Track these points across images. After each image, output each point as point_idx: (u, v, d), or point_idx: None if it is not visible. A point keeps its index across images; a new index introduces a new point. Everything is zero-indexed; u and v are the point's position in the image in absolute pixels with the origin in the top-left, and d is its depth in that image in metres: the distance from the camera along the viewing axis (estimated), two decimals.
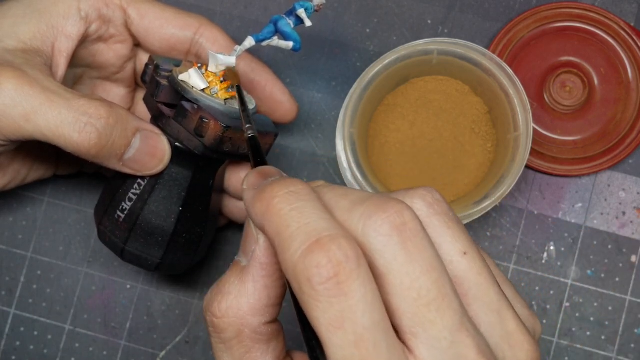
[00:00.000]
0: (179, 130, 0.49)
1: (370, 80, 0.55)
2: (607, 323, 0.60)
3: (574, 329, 0.60)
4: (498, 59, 0.55)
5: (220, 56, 0.50)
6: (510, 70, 0.55)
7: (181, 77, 0.50)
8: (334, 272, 0.31)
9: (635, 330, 0.60)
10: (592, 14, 0.61)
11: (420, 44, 0.55)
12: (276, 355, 0.38)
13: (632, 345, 0.60)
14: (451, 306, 0.33)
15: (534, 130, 0.61)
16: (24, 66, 0.48)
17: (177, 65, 0.52)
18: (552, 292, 0.61)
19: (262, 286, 0.37)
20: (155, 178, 0.51)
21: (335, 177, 0.62)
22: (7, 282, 0.62)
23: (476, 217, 0.55)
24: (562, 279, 0.61)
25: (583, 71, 0.61)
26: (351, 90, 0.55)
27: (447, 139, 0.58)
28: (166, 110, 0.50)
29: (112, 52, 0.54)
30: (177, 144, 0.50)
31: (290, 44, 0.49)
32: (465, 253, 0.35)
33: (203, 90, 0.49)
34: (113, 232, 0.52)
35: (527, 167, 0.61)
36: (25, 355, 0.62)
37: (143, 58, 0.56)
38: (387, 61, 0.55)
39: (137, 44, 0.55)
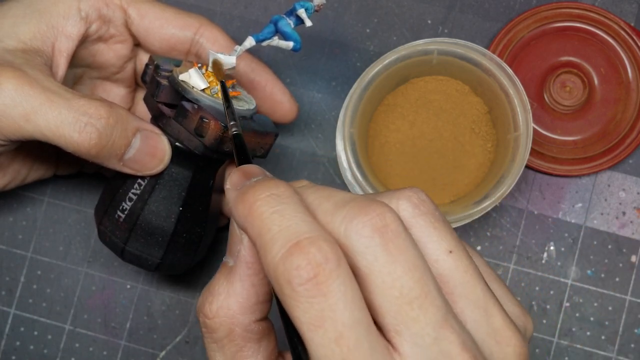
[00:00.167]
0: (179, 130, 0.50)
1: (370, 80, 0.55)
2: (607, 323, 0.60)
3: (574, 329, 0.60)
4: (498, 59, 0.55)
5: (221, 56, 0.50)
6: (510, 70, 0.55)
7: (181, 77, 0.50)
8: (314, 273, 0.31)
9: (635, 330, 0.60)
10: (592, 14, 0.61)
11: (420, 44, 0.55)
12: (267, 354, 0.39)
13: (632, 345, 0.60)
14: (434, 303, 0.33)
15: (534, 130, 0.61)
16: (24, 66, 0.48)
17: (177, 65, 0.52)
18: (552, 292, 0.61)
19: (249, 285, 0.37)
20: (156, 178, 0.51)
21: (335, 177, 0.62)
22: (7, 282, 0.62)
23: (476, 217, 0.55)
24: (562, 279, 0.61)
25: (583, 71, 0.61)
26: (351, 90, 0.55)
27: (447, 139, 0.58)
28: (166, 110, 0.50)
29: (112, 52, 0.54)
30: (177, 144, 0.50)
31: (291, 44, 0.49)
32: (450, 252, 0.35)
33: (203, 90, 0.49)
34: (113, 232, 0.52)
35: (527, 167, 0.61)
36: (25, 355, 0.62)
37: (143, 58, 0.56)
38: (387, 61, 0.55)
39: (137, 44, 0.55)
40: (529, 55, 0.61)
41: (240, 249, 0.37)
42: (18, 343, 0.62)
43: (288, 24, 0.49)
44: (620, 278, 0.60)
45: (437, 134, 0.58)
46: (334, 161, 0.62)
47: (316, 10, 0.49)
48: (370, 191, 0.54)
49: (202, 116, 0.48)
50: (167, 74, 0.51)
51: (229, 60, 0.50)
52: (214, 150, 0.49)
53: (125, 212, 0.51)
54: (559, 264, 0.61)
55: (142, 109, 0.58)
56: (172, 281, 0.62)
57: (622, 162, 0.61)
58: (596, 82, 0.61)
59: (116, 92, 0.57)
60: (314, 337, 0.32)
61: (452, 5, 0.62)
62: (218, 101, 0.49)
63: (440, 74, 0.58)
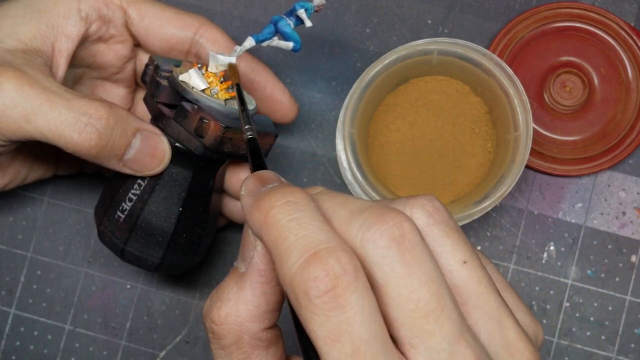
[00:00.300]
0: (179, 130, 0.49)
1: (370, 80, 0.55)
2: (607, 323, 0.60)
3: (574, 329, 0.60)
4: (498, 59, 0.55)
5: (220, 56, 0.50)
6: (510, 70, 0.55)
7: (181, 77, 0.50)
8: (332, 285, 0.31)
9: (635, 330, 0.60)
10: (592, 14, 0.61)
11: (420, 44, 0.55)
12: None
13: (632, 345, 0.60)
14: (450, 317, 0.32)
15: (534, 130, 0.61)
16: (24, 66, 0.48)
17: (177, 66, 0.52)
18: (552, 292, 0.61)
19: (260, 293, 0.37)
20: (155, 178, 0.51)
21: (335, 177, 0.62)
22: (7, 282, 0.62)
23: (476, 217, 0.55)
24: (562, 279, 0.61)
25: (583, 71, 0.61)
26: (351, 90, 0.55)
27: (447, 139, 0.58)
28: (166, 110, 0.50)
29: (112, 53, 0.54)
30: (177, 144, 0.50)
31: (291, 45, 0.49)
32: (465, 262, 0.35)
33: (203, 90, 0.49)
34: (113, 233, 0.52)
35: (527, 167, 0.61)
36: (25, 355, 0.62)
37: (143, 58, 0.56)
38: (387, 61, 0.55)
39: (137, 44, 0.55)
40: (529, 55, 0.61)
41: (253, 256, 0.37)
42: (18, 343, 0.62)
43: (288, 24, 0.49)
44: (620, 278, 0.60)
45: (437, 134, 0.58)
46: (334, 161, 0.62)
47: (316, 11, 0.49)
48: (370, 191, 0.54)
49: (202, 117, 0.48)
50: (167, 74, 0.51)
51: (229, 60, 0.50)
52: (214, 151, 0.49)
53: (125, 213, 0.51)
54: (559, 264, 0.61)
55: (142, 109, 0.58)
56: (172, 281, 0.62)
57: (622, 162, 0.61)
58: (596, 82, 0.61)
59: (116, 93, 0.57)
60: (331, 351, 0.31)
61: (452, 5, 0.62)
62: (218, 101, 0.49)
63: (440, 74, 0.58)
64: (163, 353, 0.61)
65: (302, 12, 0.49)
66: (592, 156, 0.60)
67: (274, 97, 0.56)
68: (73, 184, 0.63)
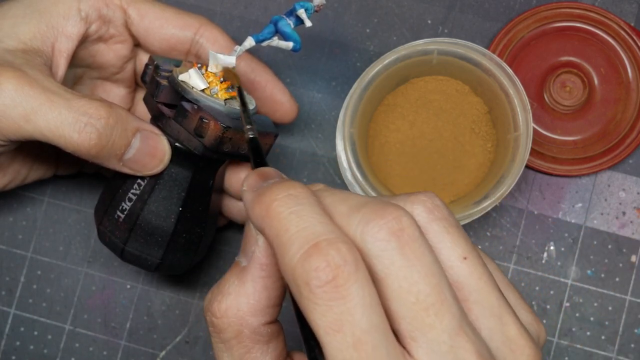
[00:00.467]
0: (179, 130, 0.49)
1: (370, 80, 0.55)
2: (607, 323, 0.60)
3: (574, 329, 0.60)
4: (498, 59, 0.55)
5: (220, 56, 0.50)
6: (510, 70, 0.55)
7: (181, 77, 0.50)
8: (332, 275, 0.31)
9: (635, 330, 0.60)
10: (592, 14, 0.61)
11: (420, 44, 0.55)
12: (276, 356, 0.38)
13: (632, 345, 0.60)
14: (450, 310, 0.33)
15: (534, 130, 0.61)
16: (24, 66, 0.48)
17: (177, 66, 0.52)
18: (552, 292, 0.61)
19: (261, 287, 0.37)
20: (155, 178, 0.51)
21: (335, 177, 0.62)
22: (7, 282, 0.62)
23: (476, 217, 0.55)
24: (562, 279, 0.61)
25: (583, 71, 0.61)
26: (351, 90, 0.55)
27: (447, 139, 0.58)
28: (166, 110, 0.50)
29: (112, 52, 0.54)
30: (177, 144, 0.50)
31: (290, 45, 0.49)
32: (465, 258, 0.35)
33: (203, 90, 0.49)
34: (113, 232, 0.52)
35: (527, 167, 0.61)
36: (25, 355, 0.62)
37: (143, 58, 0.56)
38: (387, 61, 0.55)
39: (137, 44, 0.55)
40: (529, 55, 0.61)
41: (255, 250, 0.37)
42: (18, 343, 0.62)
43: (288, 24, 0.49)
44: (620, 278, 0.60)
45: (437, 134, 0.58)
46: (334, 161, 0.62)
47: (316, 11, 0.49)
48: (371, 191, 0.54)
49: (202, 116, 0.48)
50: (166, 74, 0.51)
51: (228, 60, 0.50)
52: (214, 151, 0.49)
53: (125, 212, 0.51)
54: (559, 264, 0.61)
55: (142, 109, 0.58)
56: (172, 281, 0.62)
57: (622, 162, 0.61)
58: (596, 82, 0.61)
59: (116, 93, 0.57)
60: (332, 341, 0.31)
61: (452, 5, 0.62)
62: (218, 101, 0.49)
63: (440, 74, 0.58)
64: (163, 353, 0.61)
65: (302, 12, 0.49)
66: (592, 156, 0.60)
67: (274, 97, 0.56)
68: (73, 184, 0.63)
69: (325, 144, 0.62)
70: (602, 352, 0.60)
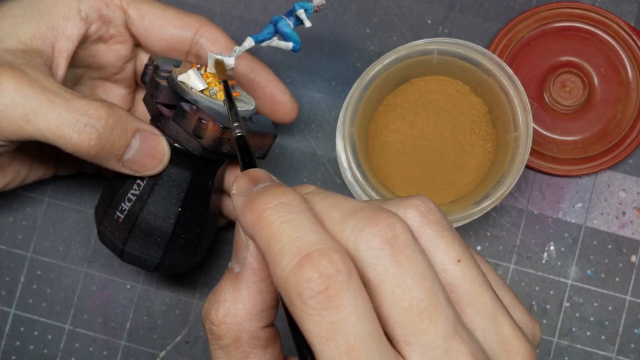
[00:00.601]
0: (178, 131, 0.49)
1: (370, 80, 0.55)
2: (607, 323, 0.60)
3: (574, 329, 0.60)
4: (498, 59, 0.55)
5: (219, 57, 0.50)
6: (510, 70, 0.55)
7: (180, 77, 0.50)
8: (325, 285, 0.31)
9: (635, 330, 0.60)
10: (592, 14, 0.61)
11: (420, 44, 0.55)
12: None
13: (632, 345, 0.60)
14: (444, 314, 0.33)
15: (534, 130, 0.61)
16: (24, 66, 0.48)
17: (177, 66, 0.52)
18: (552, 292, 0.61)
19: (256, 291, 0.37)
20: (155, 179, 0.51)
21: (335, 177, 0.62)
22: (7, 282, 0.62)
23: (476, 217, 0.55)
24: (562, 279, 0.61)
25: (583, 71, 0.61)
26: (351, 90, 0.55)
27: (447, 139, 0.58)
28: (165, 111, 0.50)
29: (112, 53, 0.54)
30: (176, 144, 0.50)
31: (290, 45, 0.49)
32: (459, 260, 0.35)
33: (202, 91, 0.49)
34: (112, 233, 0.52)
35: (527, 167, 0.61)
36: (25, 355, 0.62)
37: (143, 58, 0.56)
38: (387, 61, 0.55)
39: (137, 44, 0.55)
40: (529, 55, 0.61)
41: (246, 256, 0.37)
42: (18, 343, 0.62)
43: (287, 24, 0.49)
44: (620, 278, 0.60)
45: (437, 134, 0.58)
46: (334, 161, 0.62)
47: (316, 11, 0.49)
48: (371, 191, 0.54)
49: (200, 117, 0.48)
50: (166, 74, 0.51)
51: (227, 61, 0.50)
52: (212, 151, 0.49)
53: (125, 213, 0.51)
54: (559, 264, 0.61)
55: (142, 109, 0.58)
56: (172, 281, 0.62)
57: (622, 162, 0.61)
58: (596, 82, 0.61)
59: (116, 93, 0.57)
60: (325, 350, 0.31)
61: (452, 5, 0.62)
62: (217, 102, 0.49)
63: (440, 74, 0.58)
64: (163, 353, 0.61)
65: (301, 13, 0.49)
66: (592, 156, 0.60)
67: (275, 97, 0.56)
68: (73, 184, 0.63)
69: (325, 144, 0.62)
70: (602, 352, 0.60)
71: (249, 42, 0.49)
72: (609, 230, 0.61)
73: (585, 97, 0.61)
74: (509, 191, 0.54)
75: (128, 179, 0.51)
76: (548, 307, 0.61)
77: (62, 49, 0.51)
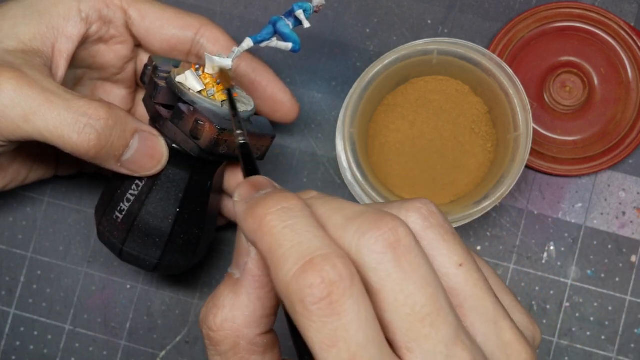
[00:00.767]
0: (176, 132, 0.49)
1: (370, 80, 0.55)
2: (607, 323, 0.60)
3: (574, 329, 0.60)
4: (498, 59, 0.55)
5: (217, 58, 0.50)
6: (510, 70, 0.55)
7: (178, 78, 0.50)
8: (327, 292, 0.31)
9: (635, 330, 0.60)
10: (592, 14, 0.61)
11: (420, 44, 0.55)
12: None
13: (632, 345, 0.60)
14: (446, 320, 0.32)
15: (534, 130, 0.61)
16: (23, 67, 0.48)
17: (176, 66, 0.52)
18: (552, 292, 0.61)
19: (255, 298, 0.37)
20: (153, 179, 0.51)
21: (335, 177, 0.62)
22: (7, 282, 0.62)
23: (476, 217, 0.55)
24: (562, 279, 0.61)
25: (583, 71, 0.61)
26: (351, 90, 0.55)
27: (447, 139, 0.58)
28: (163, 111, 0.50)
29: (112, 53, 0.54)
30: (174, 145, 0.50)
31: (290, 45, 0.49)
32: (461, 265, 0.35)
33: (200, 92, 0.49)
34: (111, 233, 0.52)
35: (527, 167, 0.61)
36: (25, 355, 0.62)
37: (144, 59, 0.56)
38: (387, 61, 0.55)
39: (137, 45, 0.55)
40: (529, 55, 0.61)
41: (247, 262, 0.37)
42: (18, 343, 0.62)
43: (287, 25, 0.49)
44: (620, 278, 0.60)
45: (437, 134, 0.58)
46: (334, 161, 0.62)
47: (315, 12, 0.49)
48: (371, 191, 0.54)
49: (197, 118, 0.48)
50: (165, 75, 0.51)
51: (225, 62, 0.50)
52: (210, 153, 0.49)
53: (123, 213, 0.51)
54: (559, 264, 0.61)
55: (142, 110, 0.58)
56: (172, 281, 0.62)
57: (622, 162, 0.61)
58: (596, 82, 0.61)
59: (117, 93, 0.57)
60: (327, 357, 0.31)
61: (452, 5, 0.62)
62: (214, 103, 0.49)
63: (440, 74, 0.58)
64: (163, 353, 0.61)
65: (300, 13, 0.49)
66: (592, 156, 0.60)
67: (275, 97, 0.56)
68: (73, 184, 0.63)
69: (325, 144, 0.62)
70: (602, 352, 0.60)
71: (248, 43, 0.49)
72: (609, 230, 0.61)
73: (585, 97, 0.61)
74: (509, 191, 0.54)
75: (127, 180, 0.51)
76: (548, 307, 0.61)
77: (62, 50, 0.51)
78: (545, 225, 0.61)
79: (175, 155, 0.51)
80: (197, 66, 0.51)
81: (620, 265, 0.61)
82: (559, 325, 0.60)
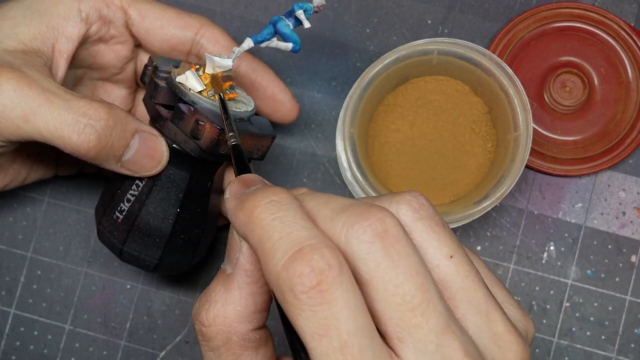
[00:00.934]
0: (176, 132, 0.49)
1: (370, 80, 0.55)
2: (607, 323, 0.60)
3: (574, 329, 0.60)
4: (498, 59, 0.55)
5: (217, 58, 0.50)
6: (510, 70, 0.55)
7: (178, 78, 0.50)
8: (317, 280, 0.31)
9: (635, 330, 0.60)
10: (592, 14, 0.61)
11: (420, 44, 0.55)
12: None
13: (632, 345, 0.60)
14: (436, 310, 0.33)
15: (534, 130, 0.61)
16: (23, 67, 0.47)
17: (177, 66, 0.52)
18: (552, 292, 0.61)
19: (247, 293, 0.37)
20: (153, 179, 0.51)
21: (335, 177, 0.62)
22: (7, 282, 0.62)
23: (476, 217, 0.55)
24: (562, 279, 0.61)
25: (583, 71, 0.61)
26: (351, 90, 0.55)
27: (447, 139, 0.58)
28: (164, 111, 0.50)
29: (112, 53, 0.54)
30: (174, 145, 0.50)
31: (290, 45, 0.49)
32: (451, 256, 0.35)
33: (200, 92, 0.49)
34: (112, 233, 0.52)
35: (527, 167, 0.61)
36: (25, 355, 0.62)
37: (144, 59, 0.56)
38: (387, 61, 0.55)
39: (138, 45, 0.55)
40: (529, 55, 0.61)
41: (239, 257, 0.37)
42: (18, 343, 0.62)
43: (287, 25, 0.49)
44: (620, 278, 0.60)
45: (437, 134, 0.58)
46: (334, 161, 0.62)
47: (315, 12, 0.49)
48: (371, 191, 0.54)
49: (198, 119, 0.48)
50: (165, 75, 0.51)
51: (225, 62, 0.50)
52: (210, 153, 0.49)
53: (124, 213, 0.51)
54: (559, 264, 0.61)
55: (142, 110, 0.58)
56: (172, 281, 0.62)
57: (622, 162, 0.61)
58: (596, 82, 0.61)
59: (117, 93, 0.57)
60: (318, 346, 0.31)
61: (452, 5, 0.62)
62: (215, 103, 0.49)
63: (440, 74, 0.58)
64: (163, 353, 0.61)
65: (300, 13, 0.49)
66: (592, 156, 0.60)
67: (275, 97, 0.56)
68: (73, 184, 0.63)
69: (325, 144, 0.62)
70: (602, 352, 0.60)
71: (248, 43, 0.49)
72: (609, 230, 0.61)
73: (585, 97, 0.61)
74: (509, 191, 0.54)
75: (127, 180, 0.51)
76: (548, 307, 0.61)
77: (62, 50, 0.51)
78: (545, 225, 0.61)
79: (176, 156, 0.51)
80: (198, 66, 0.51)
81: (620, 265, 0.61)
82: (559, 325, 0.60)
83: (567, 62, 0.61)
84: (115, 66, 0.55)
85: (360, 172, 0.55)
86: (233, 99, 0.51)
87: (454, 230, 0.61)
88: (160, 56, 0.54)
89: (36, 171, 0.57)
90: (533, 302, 0.61)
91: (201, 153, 0.50)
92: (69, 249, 0.62)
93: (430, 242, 0.35)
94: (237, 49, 0.50)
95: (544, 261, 0.61)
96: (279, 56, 0.62)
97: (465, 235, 0.61)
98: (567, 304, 0.61)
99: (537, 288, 0.61)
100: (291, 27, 0.49)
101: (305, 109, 0.62)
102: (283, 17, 0.49)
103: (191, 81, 0.49)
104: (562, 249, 0.61)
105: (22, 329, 0.62)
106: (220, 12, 0.63)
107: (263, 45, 0.49)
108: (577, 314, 0.60)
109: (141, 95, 0.59)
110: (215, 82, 0.49)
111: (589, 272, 0.61)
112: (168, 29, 0.54)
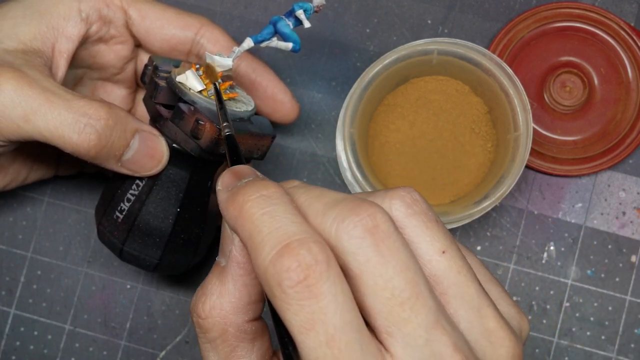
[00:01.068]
0: (176, 131, 0.49)
1: (370, 80, 0.55)
2: (607, 323, 0.60)
3: (574, 329, 0.60)
4: (498, 59, 0.55)
5: (217, 58, 0.50)
6: (510, 70, 0.55)
7: (179, 78, 0.50)
8: (304, 275, 0.31)
9: (635, 330, 0.60)
10: (592, 14, 0.61)
11: (420, 44, 0.55)
12: (261, 354, 0.39)
13: (632, 345, 0.60)
14: (426, 304, 0.33)
15: (534, 130, 0.61)
16: (23, 67, 0.48)
17: (177, 66, 0.52)
18: (552, 292, 0.61)
19: (241, 285, 0.38)
20: (153, 179, 0.51)
21: (335, 177, 0.62)
22: (7, 282, 0.62)
23: (476, 217, 0.55)
24: (562, 279, 0.61)
25: (583, 71, 0.61)
26: (351, 90, 0.55)
27: (447, 139, 0.58)
28: (164, 111, 0.50)
29: (112, 53, 0.54)
30: (174, 145, 0.50)
31: (290, 45, 0.49)
32: (444, 252, 0.35)
33: (200, 92, 0.49)
34: (112, 232, 0.52)
35: (527, 167, 0.61)
36: (25, 355, 0.62)
37: (144, 59, 0.56)
38: (387, 61, 0.55)
39: (138, 45, 0.55)
40: (529, 55, 0.61)
41: (231, 249, 0.37)
42: (18, 343, 0.62)
43: (287, 25, 0.49)
44: (620, 278, 0.60)
45: (437, 134, 0.58)
46: (334, 161, 0.62)
47: (315, 12, 0.49)
48: (370, 190, 0.54)
49: (198, 118, 0.48)
50: (165, 75, 0.51)
51: (225, 62, 0.50)
52: (210, 152, 0.49)
53: (124, 213, 0.51)
54: (559, 264, 0.61)
55: (143, 110, 0.58)
56: (172, 281, 0.62)
57: (622, 162, 0.61)
58: (596, 82, 0.61)
59: (117, 93, 0.57)
60: (305, 339, 0.32)
61: (452, 5, 0.62)
62: (215, 103, 0.49)
63: (440, 74, 0.58)
64: (163, 353, 0.61)
65: (300, 13, 0.49)
66: (592, 156, 0.60)
67: (275, 97, 0.56)
68: (73, 184, 0.63)
69: (325, 144, 0.62)
70: (602, 352, 0.60)
71: (248, 43, 0.49)
72: (609, 230, 0.61)
73: (585, 97, 0.61)
74: (509, 191, 0.54)
75: (127, 179, 0.51)
76: (548, 307, 0.61)
77: (62, 50, 0.51)
78: (545, 225, 0.61)
79: (176, 155, 0.51)
80: (198, 66, 0.51)
81: (620, 265, 0.61)
82: (559, 325, 0.60)
83: (567, 62, 0.61)
84: (115, 66, 0.55)
85: (360, 172, 0.55)
86: (233, 99, 0.51)
87: (454, 230, 0.61)
88: (160, 56, 0.54)
89: (36, 171, 0.57)
90: (533, 302, 0.61)
91: (201, 152, 0.50)
92: (69, 249, 0.62)
93: (423, 237, 0.35)
94: (237, 49, 0.50)
95: (544, 261, 0.61)
96: (279, 56, 0.62)
97: (465, 235, 0.61)
98: (567, 304, 0.61)
99: (537, 288, 0.61)
100: (291, 26, 0.49)
101: (305, 109, 0.62)
102: (283, 16, 0.49)
103: (191, 81, 0.49)
104: (562, 249, 0.61)
105: (22, 329, 0.62)
106: (220, 12, 0.63)
107: (263, 45, 0.49)
108: (577, 314, 0.60)
109: (141, 95, 0.59)
110: (210, 71, 0.49)
111: (589, 272, 0.61)
112: (168, 29, 0.54)
